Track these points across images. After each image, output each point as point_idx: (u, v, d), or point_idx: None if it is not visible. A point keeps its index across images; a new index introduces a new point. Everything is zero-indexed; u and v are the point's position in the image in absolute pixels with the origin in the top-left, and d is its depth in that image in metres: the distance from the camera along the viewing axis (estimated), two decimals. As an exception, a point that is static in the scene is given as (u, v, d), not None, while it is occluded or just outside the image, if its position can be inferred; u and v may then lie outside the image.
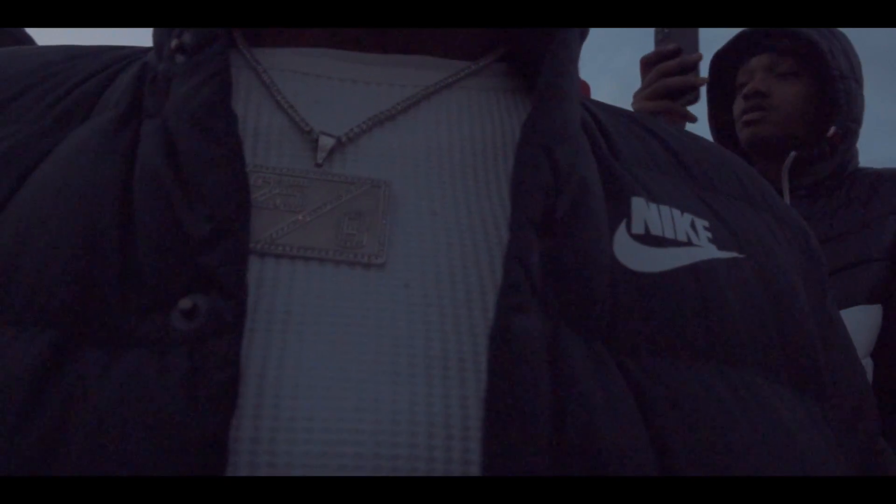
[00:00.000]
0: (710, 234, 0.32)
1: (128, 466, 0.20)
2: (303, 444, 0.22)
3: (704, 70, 1.22)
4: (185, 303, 0.23)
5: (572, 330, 0.25)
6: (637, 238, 0.30)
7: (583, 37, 0.36)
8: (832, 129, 1.19)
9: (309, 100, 0.32)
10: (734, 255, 0.32)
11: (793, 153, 1.20)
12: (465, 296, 0.26)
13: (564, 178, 0.28)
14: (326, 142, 0.30)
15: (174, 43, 0.30)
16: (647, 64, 1.16)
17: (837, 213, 1.16)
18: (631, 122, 0.38)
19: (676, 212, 0.32)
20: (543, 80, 0.32)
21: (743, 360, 0.28)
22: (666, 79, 1.12)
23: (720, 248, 0.32)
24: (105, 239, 0.25)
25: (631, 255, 0.29)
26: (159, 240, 0.25)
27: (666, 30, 1.15)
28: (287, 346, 0.24)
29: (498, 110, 0.34)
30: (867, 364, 1.05)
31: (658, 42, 1.15)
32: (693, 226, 0.32)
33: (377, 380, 0.24)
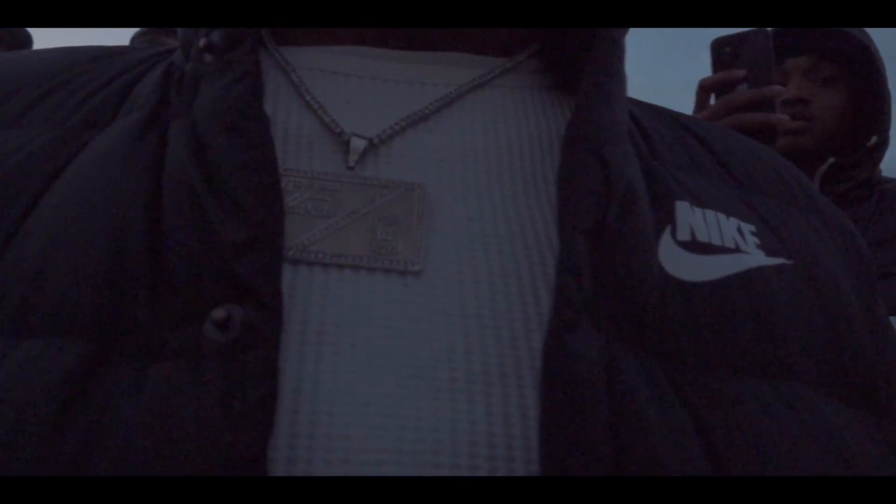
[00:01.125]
0: (757, 240, 0.30)
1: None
2: (340, 464, 0.21)
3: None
4: (218, 313, 0.22)
5: (623, 346, 0.24)
6: (683, 245, 0.29)
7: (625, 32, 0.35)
8: (874, 139, 1.14)
9: (339, 100, 0.31)
10: (782, 261, 0.30)
11: (831, 159, 1.15)
12: (506, 306, 0.25)
13: (615, 183, 0.27)
14: (358, 143, 0.29)
15: (202, 42, 0.29)
16: (706, 89, 0.96)
17: (869, 223, 1.13)
18: (669, 120, 0.37)
19: (722, 216, 0.31)
20: (589, 78, 0.30)
21: (796, 374, 0.27)
22: (738, 115, 0.91)
23: (768, 254, 0.30)
24: (134, 246, 0.24)
25: (678, 263, 0.28)
26: (190, 247, 0.24)
27: (728, 48, 0.92)
28: (322, 358, 0.23)
29: (534, 110, 0.33)
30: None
31: (717, 58, 0.93)
32: (740, 231, 0.30)
33: (417, 395, 0.23)
